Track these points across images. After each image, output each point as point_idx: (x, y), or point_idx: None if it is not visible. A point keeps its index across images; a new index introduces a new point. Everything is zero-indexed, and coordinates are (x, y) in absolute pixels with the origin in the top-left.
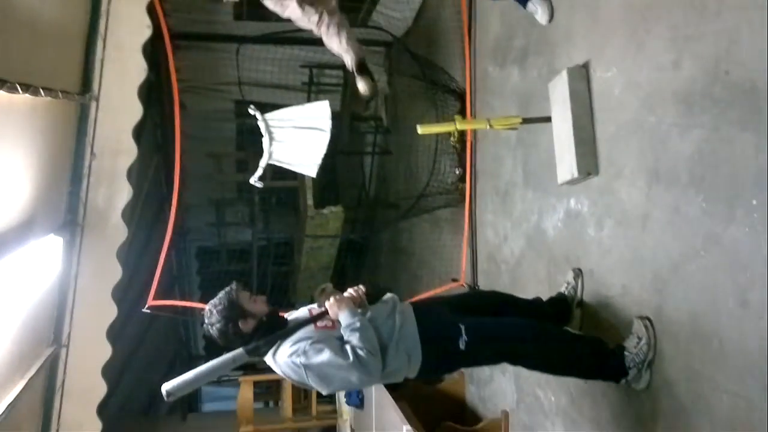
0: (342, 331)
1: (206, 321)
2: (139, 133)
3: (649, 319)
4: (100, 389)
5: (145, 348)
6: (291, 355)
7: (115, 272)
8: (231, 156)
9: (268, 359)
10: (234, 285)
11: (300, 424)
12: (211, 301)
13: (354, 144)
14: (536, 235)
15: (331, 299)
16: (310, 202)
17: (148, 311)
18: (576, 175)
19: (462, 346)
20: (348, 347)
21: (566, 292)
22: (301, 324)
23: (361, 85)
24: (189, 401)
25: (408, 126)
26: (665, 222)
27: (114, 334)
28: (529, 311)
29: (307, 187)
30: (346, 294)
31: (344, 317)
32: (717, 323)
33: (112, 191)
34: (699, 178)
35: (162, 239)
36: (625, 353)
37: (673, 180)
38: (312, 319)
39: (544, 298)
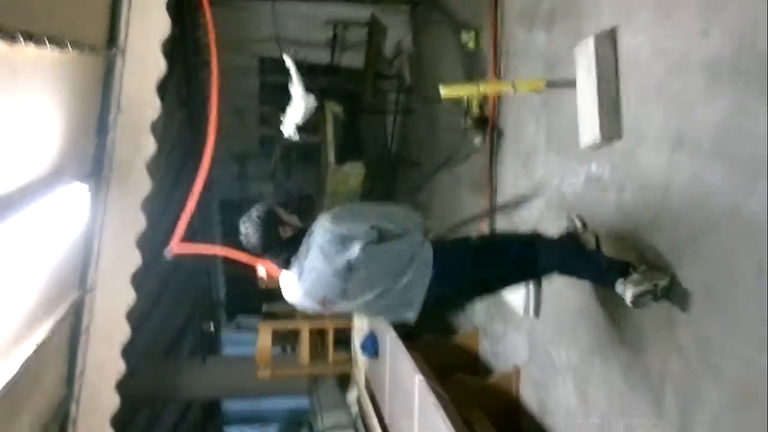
0: None
1: (244, 229)
2: (163, 88)
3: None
4: (124, 333)
5: (168, 295)
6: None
7: (139, 222)
8: (254, 111)
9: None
10: (269, 200)
11: (316, 371)
12: (248, 212)
13: (377, 102)
14: (556, 199)
15: None
16: (331, 158)
17: (173, 258)
18: (599, 140)
19: (472, 254)
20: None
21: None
22: None
23: None
24: (209, 344)
25: (431, 85)
26: (687, 189)
27: (138, 280)
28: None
29: (329, 143)
30: None
31: None
32: (733, 292)
33: (137, 144)
34: (722, 148)
35: (185, 191)
36: (633, 271)
37: (697, 148)
38: None
39: None
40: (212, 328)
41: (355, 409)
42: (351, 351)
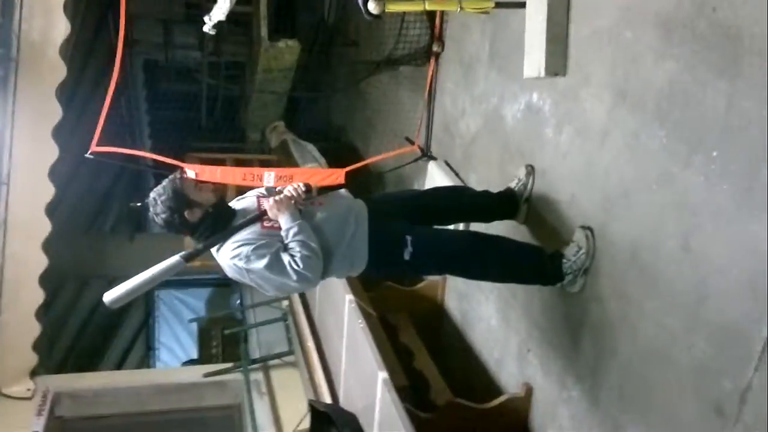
0: (282, 234)
1: (151, 210)
2: None
3: (591, 230)
4: (45, 228)
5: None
6: (233, 257)
7: (54, 113)
8: None
9: (213, 252)
10: (178, 174)
11: None
12: (155, 190)
13: None
14: (494, 119)
15: (271, 200)
16: (264, 33)
17: (92, 157)
18: (543, 75)
19: (407, 257)
20: (287, 257)
21: (516, 188)
22: (248, 222)
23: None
24: (136, 221)
25: None
26: (623, 145)
27: (56, 173)
28: (477, 205)
29: (262, 16)
30: (285, 192)
31: (284, 221)
32: (656, 257)
33: (48, 23)
34: (665, 113)
35: (105, 53)
36: (564, 260)
37: (639, 106)
38: (258, 218)
39: (492, 183)
40: (139, 203)
41: (285, 302)
42: None
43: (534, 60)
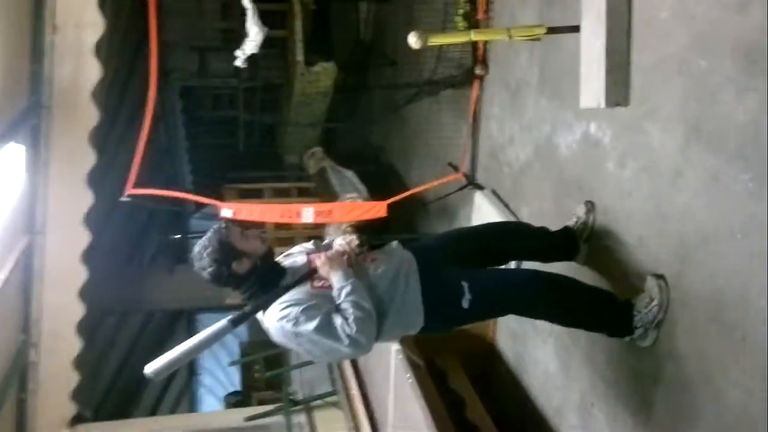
0: (334, 295)
1: (197, 265)
2: None
3: (665, 279)
4: (81, 275)
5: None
6: (281, 319)
7: (88, 158)
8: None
9: (259, 314)
10: (223, 224)
11: None
12: (200, 242)
13: None
14: (547, 148)
15: (322, 256)
16: (299, 58)
17: (128, 200)
18: (603, 106)
19: (465, 305)
20: (339, 319)
21: (574, 227)
22: (297, 282)
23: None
24: (176, 253)
25: None
26: (700, 187)
27: (91, 217)
28: (533, 245)
29: (297, 40)
30: (336, 247)
31: (336, 279)
32: (744, 315)
33: (79, 68)
34: (749, 153)
35: (141, 82)
36: (634, 312)
37: (718, 144)
38: (308, 276)
39: (547, 218)
40: (178, 235)
41: None
42: None
43: (592, 89)
